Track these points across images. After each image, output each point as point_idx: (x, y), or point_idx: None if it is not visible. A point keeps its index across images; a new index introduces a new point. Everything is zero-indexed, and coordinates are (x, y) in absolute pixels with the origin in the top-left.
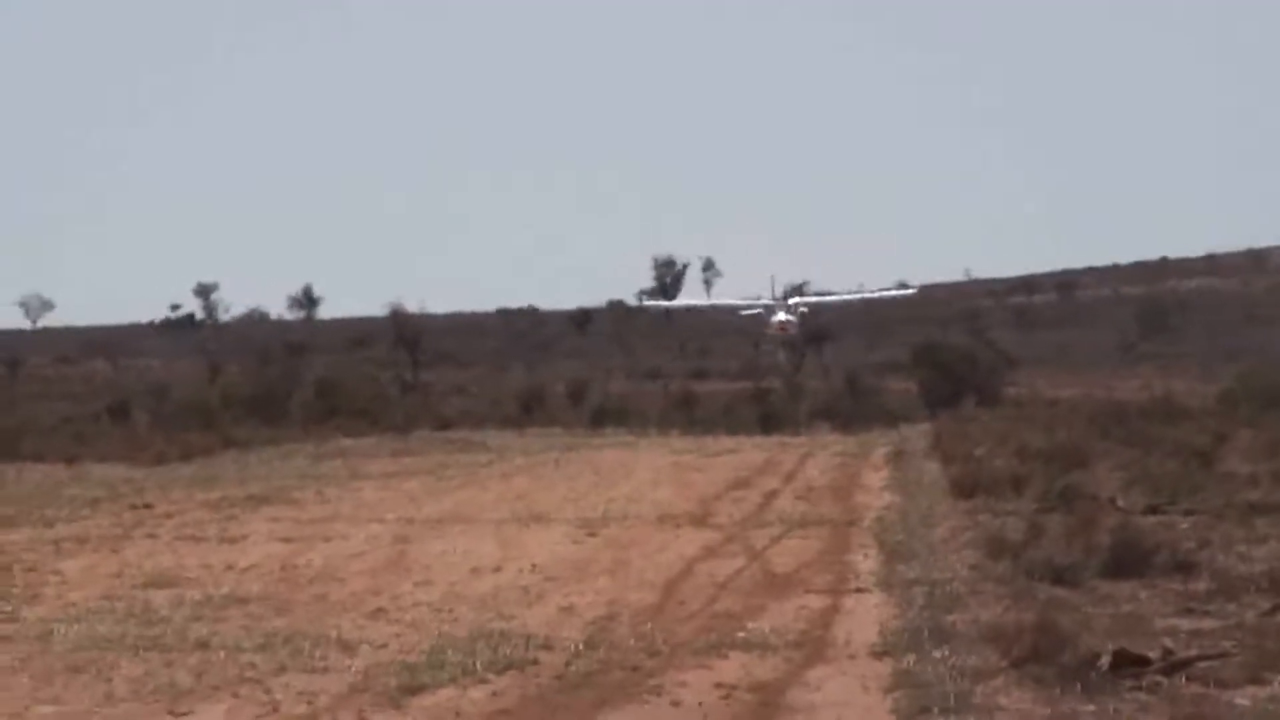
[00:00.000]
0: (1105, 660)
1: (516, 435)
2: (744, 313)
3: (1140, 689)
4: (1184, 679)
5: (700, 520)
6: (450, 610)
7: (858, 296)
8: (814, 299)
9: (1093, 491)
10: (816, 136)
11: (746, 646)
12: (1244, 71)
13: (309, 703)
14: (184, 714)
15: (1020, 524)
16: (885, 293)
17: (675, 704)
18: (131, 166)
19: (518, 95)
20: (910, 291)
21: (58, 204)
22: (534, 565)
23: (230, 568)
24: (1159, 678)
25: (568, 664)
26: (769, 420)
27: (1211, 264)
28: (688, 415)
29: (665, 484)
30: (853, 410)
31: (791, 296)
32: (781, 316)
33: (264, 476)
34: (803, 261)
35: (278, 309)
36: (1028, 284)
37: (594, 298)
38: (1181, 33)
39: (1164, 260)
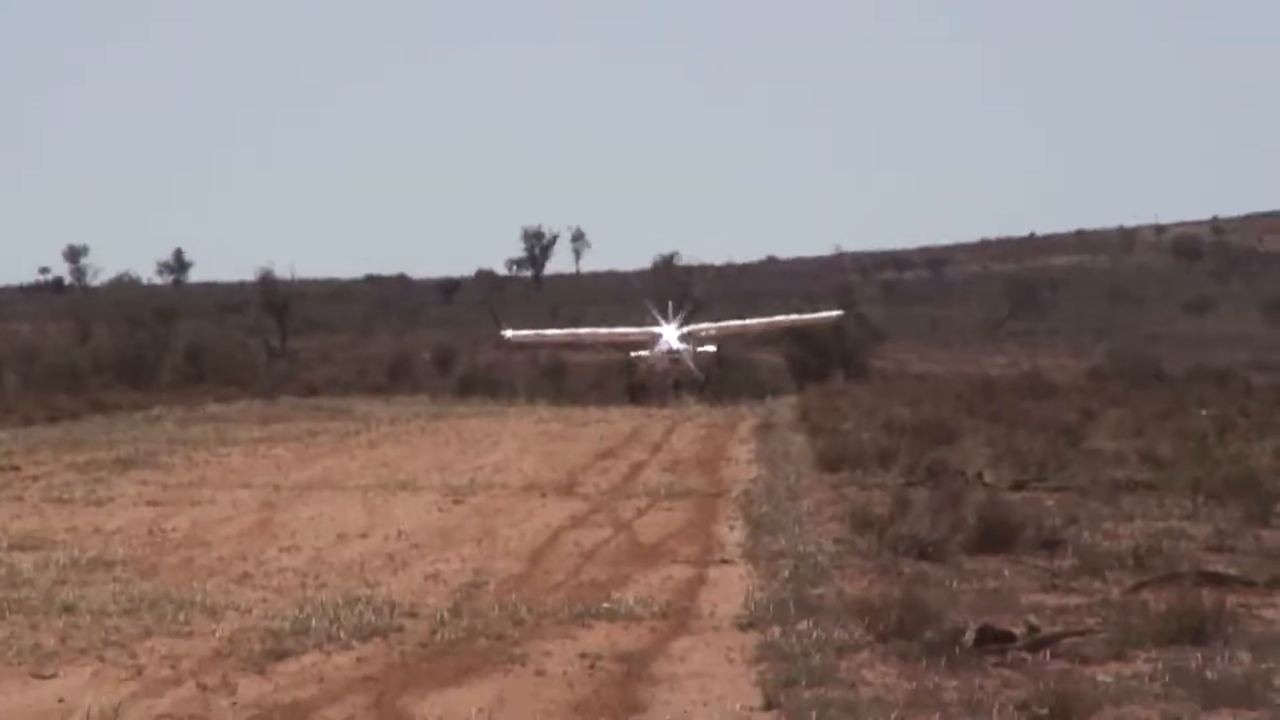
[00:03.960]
0: (970, 636)
1: (384, 403)
2: (635, 355)
3: (1004, 665)
4: (1048, 655)
5: (567, 490)
6: (316, 576)
7: (763, 321)
8: (711, 325)
9: (960, 467)
10: (686, 108)
11: (612, 617)
12: (1113, 51)
13: (173, 666)
14: (48, 676)
15: (887, 498)
16: (805, 316)
17: (540, 673)
18: (0, 130)
19: (389, 62)
20: (835, 314)
21: None
22: (400, 532)
23: (97, 531)
24: (1023, 654)
25: (433, 631)
26: (637, 391)
27: (1081, 241)
28: (557, 385)
29: (532, 453)
30: (720, 382)
31: (684, 323)
32: (671, 346)
33: (132, 440)
34: (672, 233)
35: (148, 274)
36: (897, 259)
37: (463, 267)
38: (1049, 10)
39: (1033, 237)
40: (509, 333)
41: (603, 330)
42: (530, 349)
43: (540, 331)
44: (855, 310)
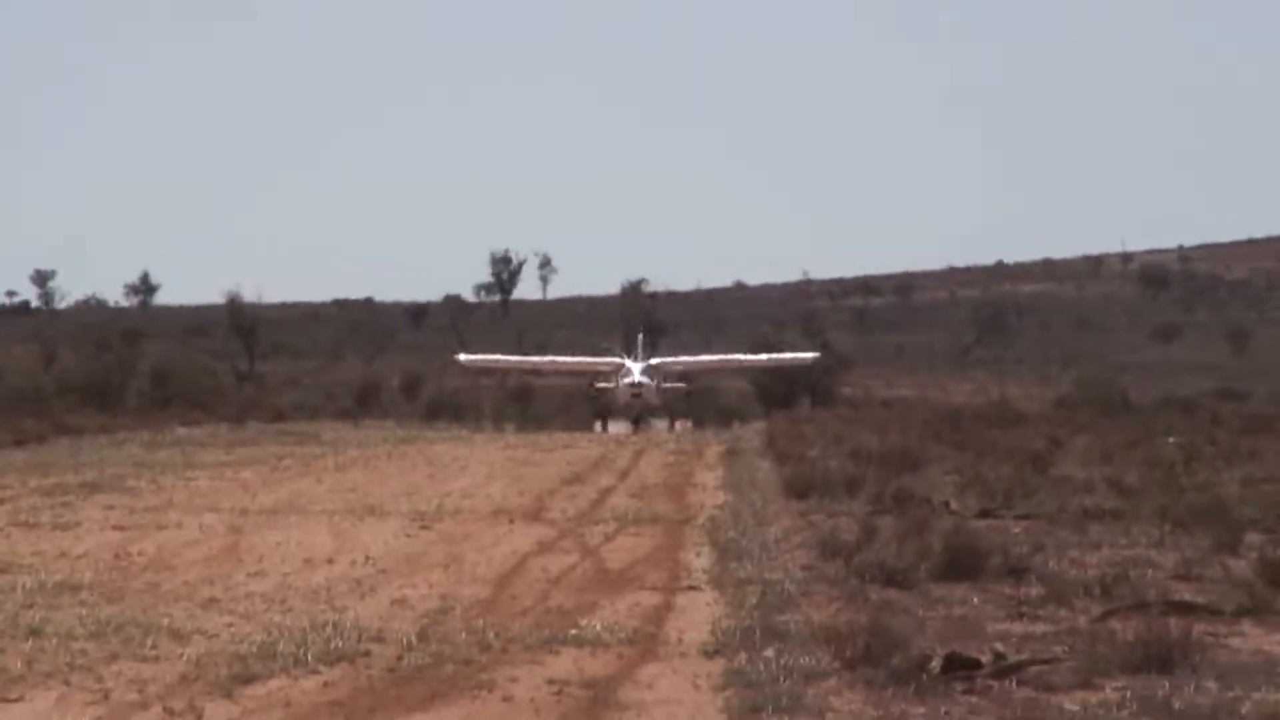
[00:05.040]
0: (937, 663)
1: (351, 428)
2: (600, 384)
3: (971, 692)
4: (1015, 683)
5: (534, 515)
6: (283, 601)
7: (736, 359)
8: (681, 360)
9: (926, 495)
10: (654, 135)
11: (579, 643)
12: (1082, 81)
13: (140, 691)
14: (14, 700)
15: (854, 525)
16: (781, 357)
17: (507, 699)
18: None
19: (359, 88)
20: (809, 356)
21: None
22: (367, 558)
23: (63, 555)
24: (990, 681)
25: (399, 657)
26: (604, 416)
27: (1048, 269)
28: (523, 410)
29: (499, 479)
30: (688, 409)
31: (650, 356)
32: (635, 379)
33: (98, 464)
34: (640, 259)
35: (115, 296)
36: (865, 286)
37: (431, 292)
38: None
39: (1001, 264)
40: (463, 357)
41: (562, 359)
42: (492, 374)
43: (496, 357)
44: (822, 338)
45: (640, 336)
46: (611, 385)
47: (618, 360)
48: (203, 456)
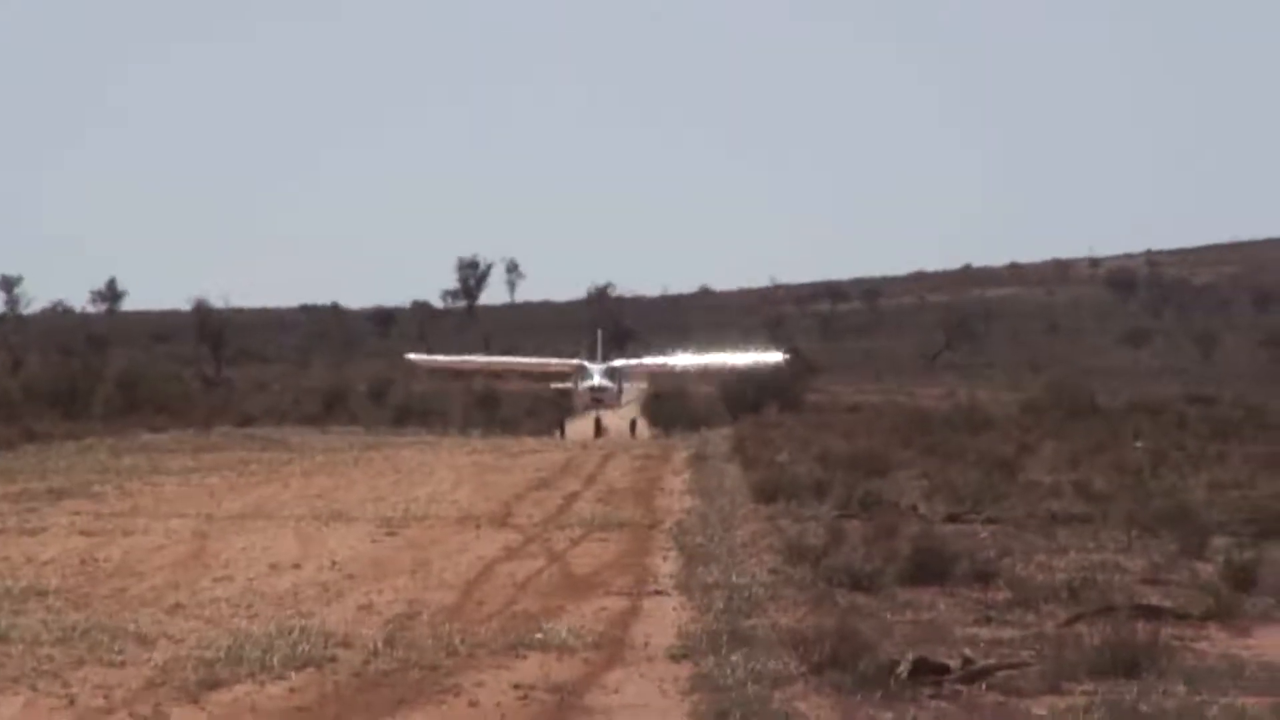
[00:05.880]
0: (904, 667)
1: (318, 433)
2: (555, 385)
3: (939, 697)
4: (983, 687)
5: (501, 521)
6: (249, 606)
7: (700, 361)
8: (644, 362)
9: (894, 499)
10: (620, 140)
11: (545, 647)
12: (1049, 86)
13: (106, 696)
14: None
15: (821, 530)
16: (745, 358)
17: (473, 704)
18: None
19: (325, 93)
20: (776, 358)
21: None
22: (334, 563)
23: (29, 560)
24: (958, 686)
25: (366, 662)
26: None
27: (1016, 273)
28: (490, 415)
29: (466, 484)
30: (654, 413)
31: (611, 358)
32: (595, 382)
33: (64, 470)
34: (607, 264)
35: (81, 302)
36: (833, 291)
37: (399, 297)
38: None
39: (968, 269)
40: (413, 357)
41: (514, 359)
42: (459, 376)
43: (447, 357)
44: (790, 345)
45: (598, 335)
46: (569, 386)
47: (575, 362)
48: (169, 462)
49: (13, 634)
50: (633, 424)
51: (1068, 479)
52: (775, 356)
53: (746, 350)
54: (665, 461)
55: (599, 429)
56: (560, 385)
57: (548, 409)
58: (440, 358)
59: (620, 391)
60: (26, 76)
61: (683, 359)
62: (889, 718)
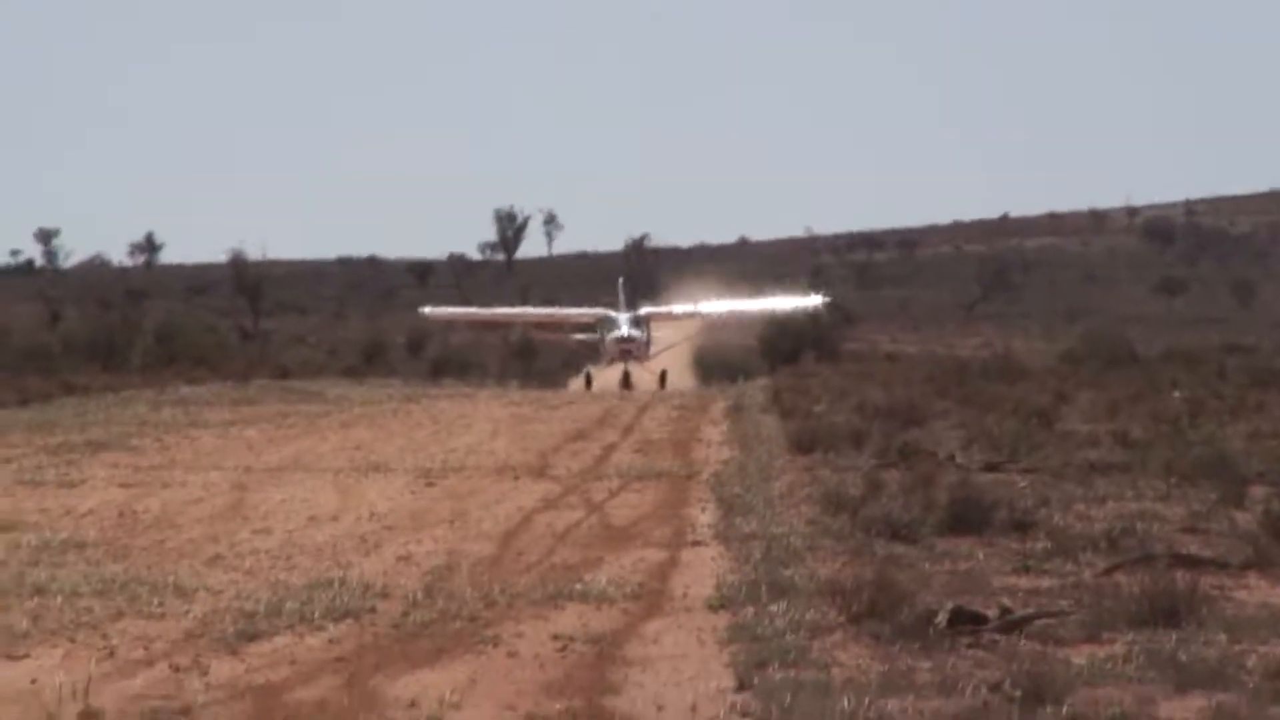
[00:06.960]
0: (942, 617)
1: (356, 385)
2: (577, 336)
3: (977, 646)
4: (1021, 637)
5: (539, 472)
6: (288, 558)
7: (737, 308)
8: (678, 309)
9: (932, 449)
10: (658, 91)
11: (584, 598)
12: (1086, 34)
13: (146, 648)
14: (20, 657)
15: (859, 480)
16: (783, 303)
17: (512, 654)
18: None
19: (362, 47)
20: (816, 302)
21: None
22: (372, 514)
23: (68, 513)
24: (996, 635)
25: (405, 613)
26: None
27: (1053, 223)
28: (527, 366)
29: (504, 435)
30: (694, 365)
31: (640, 307)
32: (623, 332)
33: (103, 423)
34: (644, 215)
35: (120, 255)
36: (869, 241)
37: (436, 250)
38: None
39: (1005, 219)
40: (428, 310)
41: (531, 310)
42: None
43: (463, 309)
44: (827, 293)
45: (620, 282)
46: (592, 337)
47: (599, 311)
48: (207, 415)
49: (52, 586)
50: (662, 376)
51: (1105, 428)
52: (815, 300)
53: (785, 296)
54: (703, 412)
55: (626, 381)
56: (582, 336)
57: (585, 360)
58: (455, 310)
59: (649, 342)
60: (63, 30)
61: (717, 305)
62: (927, 667)
